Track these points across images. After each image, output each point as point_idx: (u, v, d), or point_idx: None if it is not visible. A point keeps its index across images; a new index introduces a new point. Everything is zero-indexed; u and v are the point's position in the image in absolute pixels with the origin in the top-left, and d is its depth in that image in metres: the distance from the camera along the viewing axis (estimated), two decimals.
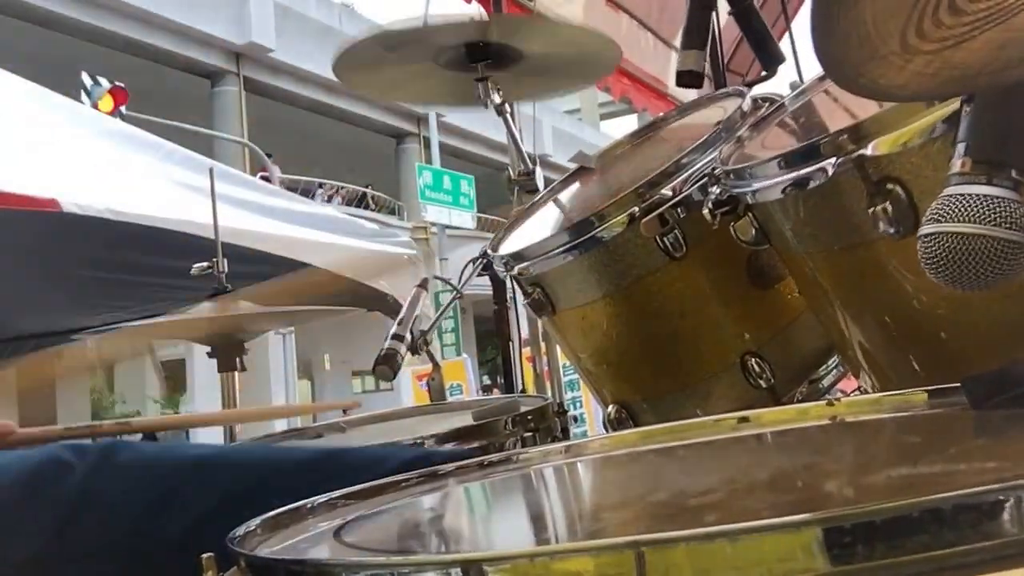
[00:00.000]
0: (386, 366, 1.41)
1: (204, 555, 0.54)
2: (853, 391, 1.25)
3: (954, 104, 0.84)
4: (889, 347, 1.08)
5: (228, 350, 2.01)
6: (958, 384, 0.74)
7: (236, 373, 2.03)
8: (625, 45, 4.07)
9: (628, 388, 1.39)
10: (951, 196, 0.72)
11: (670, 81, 4.31)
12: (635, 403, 1.38)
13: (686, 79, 1.49)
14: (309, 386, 17.68)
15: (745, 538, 0.39)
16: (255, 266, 3.15)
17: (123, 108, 10.32)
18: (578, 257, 1.30)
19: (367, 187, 17.16)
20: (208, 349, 2.05)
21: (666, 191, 1.22)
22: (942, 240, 0.71)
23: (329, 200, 15.16)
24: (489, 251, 1.51)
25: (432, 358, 1.59)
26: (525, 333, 2.14)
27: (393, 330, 1.46)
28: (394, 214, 17.06)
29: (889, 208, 0.93)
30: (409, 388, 8.44)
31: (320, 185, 15.69)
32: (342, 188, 16.42)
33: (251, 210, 3.45)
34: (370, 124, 17.73)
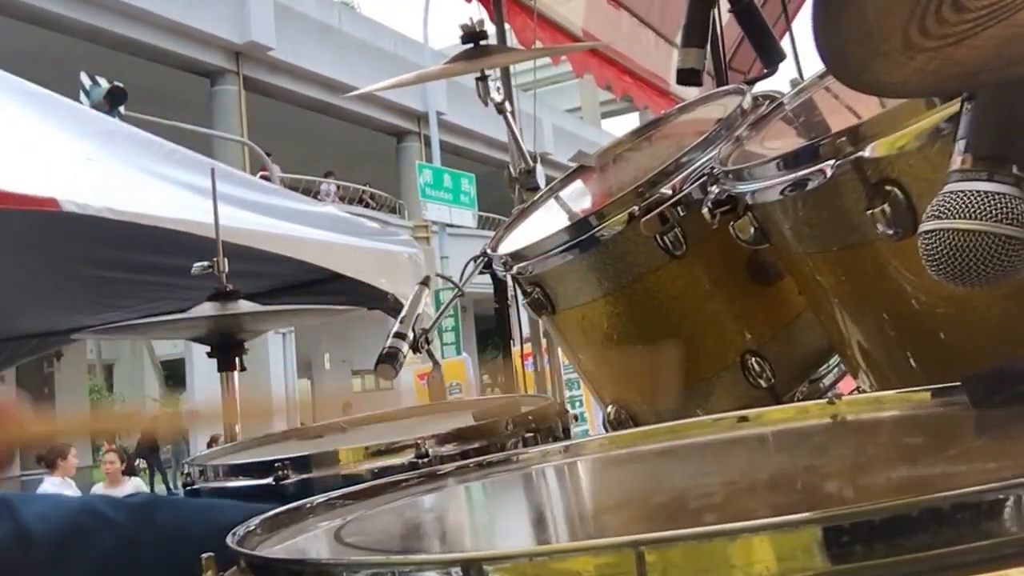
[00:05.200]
0: (388, 364, 1.41)
1: (204, 555, 0.54)
2: (851, 391, 1.25)
3: (953, 106, 0.84)
4: (888, 347, 1.08)
5: (228, 349, 2.01)
6: (958, 383, 0.74)
7: (236, 373, 2.03)
8: (626, 43, 4.08)
9: (628, 388, 1.39)
10: (952, 192, 0.72)
11: (671, 79, 4.30)
12: (635, 403, 1.38)
13: (686, 77, 1.49)
14: (309, 386, 17.68)
15: (744, 537, 0.39)
16: (255, 265, 3.15)
17: (122, 108, 10.31)
18: (578, 256, 1.30)
19: (365, 185, 17.14)
20: (208, 348, 2.04)
21: (666, 190, 1.22)
22: (943, 237, 0.71)
23: (328, 196, 15.15)
24: (489, 250, 1.51)
25: (432, 357, 1.59)
26: (526, 332, 2.14)
27: (395, 328, 1.46)
28: (395, 212, 17.05)
29: (887, 210, 0.93)
30: (411, 387, 8.43)
31: (319, 185, 15.68)
32: (339, 186, 16.40)
33: (251, 209, 3.44)
34: (370, 123, 17.71)
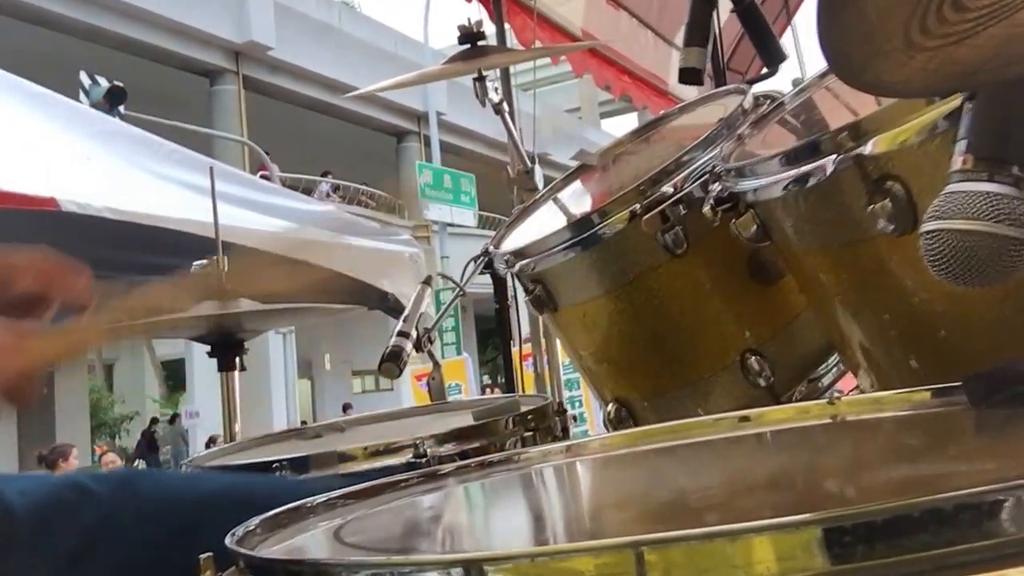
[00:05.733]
0: (392, 363, 1.40)
1: (202, 555, 0.54)
2: (851, 390, 1.25)
3: (953, 102, 0.84)
4: (888, 345, 1.08)
5: (228, 349, 2.01)
6: (959, 383, 0.74)
7: (236, 372, 2.03)
8: (625, 43, 4.08)
9: (628, 386, 1.39)
10: (953, 193, 0.72)
11: (670, 79, 4.31)
12: (635, 401, 1.38)
13: (688, 76, 1.49)
14: (309, 386, 17.69)
15: (745, 538, 0.39)
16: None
17: (122, 107, 10.31)
18: (579, 254, 1.30)
19: (363, 184, 17.15)
20: (208, 348, 2.04)
21: (667, 188, 1.22)
22: (944, 237, 0.71)
23: (327, 197, 15.17)
24: (491, 248, 1.51)
25: (432, 357, 1.58)
26: (526, 332, 2.14)
27: (399, 327, 1.46)
28: (395, 212, 17.06)
29: (888, 206, 0.93)
30: (408, 388, 8.43)
31: (319, 185, 15.68)
32: (338, 187, 16.40)
33: (251, 208, 3.45)
34: (370, 123, 17.71)
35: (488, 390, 11.77)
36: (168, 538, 0.81)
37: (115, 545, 0.85)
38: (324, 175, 16.37)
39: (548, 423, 1.23)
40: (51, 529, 0.83)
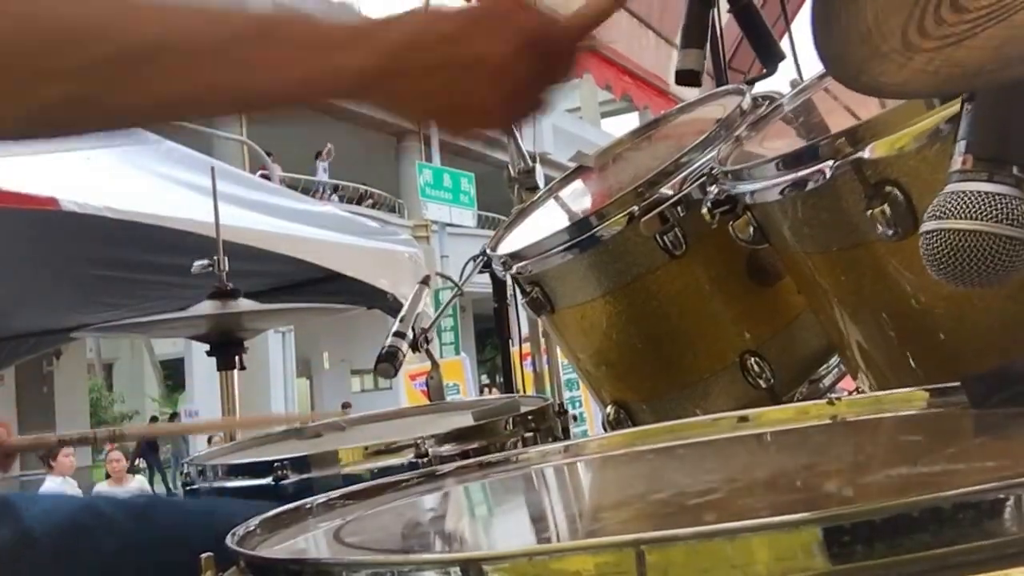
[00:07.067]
0: (388, 364, 1.41)
1: (203, 555, 0.54)
2: (853, 391, 1.25)
3: (952, 107, 0.84)
4: (887, 347, 1.08)
5: (227, 348, 2.01)
6: (958, 383, 0.74)
7: (235, 371, 2.03)
8: (626, 43, 4.09)
9: (627, 388, 1.39)
10: (952, 193, 0.72)
11: (671, 79, 4.31)
12: (634, 403, 1.38)
13: (685, 78, 1.48)
14: (308, 385, 17.69)
15: (744, 537, 0.39)
16: (255, 264, 3.16)
17: None
18: (577, 256, 1.30)
19: (363, 184, 17.14)
20: (207, 347, 2.05)
21: (666, 190, 1.22)
22: (944, 237, 0.71)
23: (328, 198, 15.18)
24: (488, 250, 1.51)
25: (431, 357, 1.59)
26: (525, 331, 2.13)
27: (395, 327, 1.46)
28: (394, 212, 17.05)
29: (887, 210, 0.93)
30: (402, 388, 8.42)
31: (316, 163, 15.70)
32: (340, 187, 16.41)
33: (251, 208, 3.45)
34: (370, 122, 17.69)
35: (487, 390, 11.76)
36: (186, 567, 0.81)
37: (132, 573, 0.85)
38: (318, 156, 16.32)
39: (549, 424, 1.23)
40: (69, 554, 0.84)
